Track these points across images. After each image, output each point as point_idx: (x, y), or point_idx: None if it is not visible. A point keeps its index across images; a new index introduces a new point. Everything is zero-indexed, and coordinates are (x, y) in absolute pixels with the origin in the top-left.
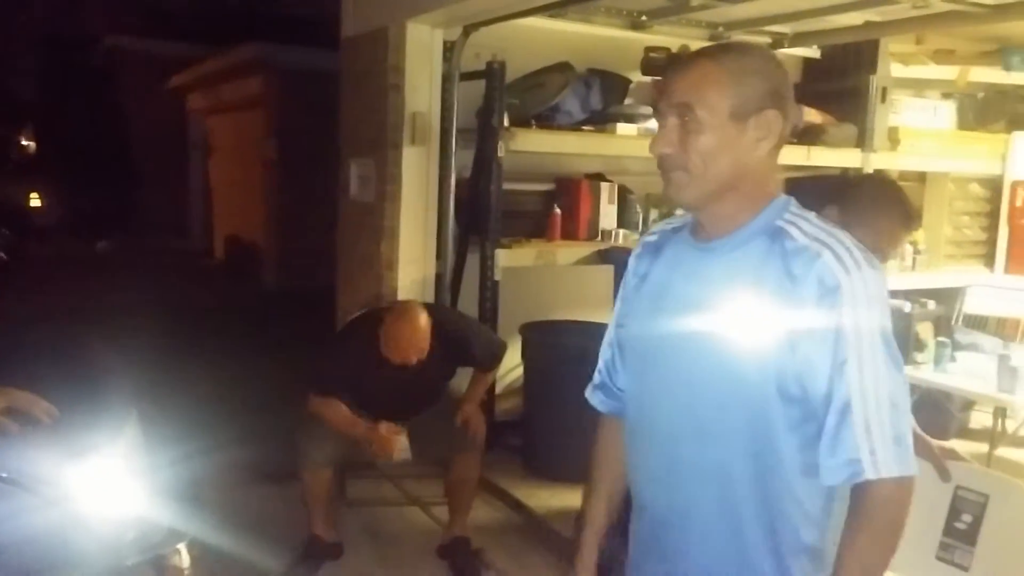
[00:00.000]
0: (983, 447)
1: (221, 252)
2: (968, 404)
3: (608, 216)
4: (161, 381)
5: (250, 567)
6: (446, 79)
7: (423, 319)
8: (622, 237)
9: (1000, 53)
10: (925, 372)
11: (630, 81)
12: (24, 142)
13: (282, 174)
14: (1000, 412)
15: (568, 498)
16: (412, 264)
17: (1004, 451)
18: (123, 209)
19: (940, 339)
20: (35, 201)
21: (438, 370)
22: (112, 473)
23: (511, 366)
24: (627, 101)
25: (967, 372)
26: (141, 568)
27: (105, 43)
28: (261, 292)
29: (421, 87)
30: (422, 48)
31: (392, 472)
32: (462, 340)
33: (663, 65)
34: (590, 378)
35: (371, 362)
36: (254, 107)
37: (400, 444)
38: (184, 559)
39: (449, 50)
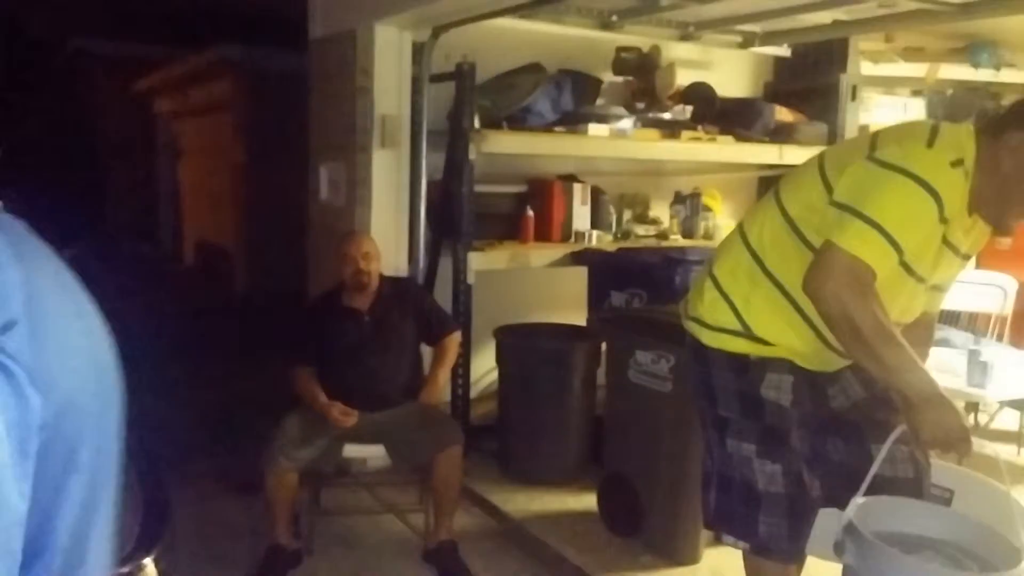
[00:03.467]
0: None
1: (191, 257)
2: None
3: (581, 217)
4: (131, 391)
5: None
6: (416, 81)
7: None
8: (595, 238)
9: (968, 50)
10: None
11: (601, 81)
12: None
13: (251, 177)
14: (972, 407)
15: (545, 501)
16: (384, 268)
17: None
18: (90, 215)
19: None
20: None
21: (397, 320)
22: None
23: (486, 370)
24: (599, 101)
25: (937, 367)
26: None
27: (70, 44)
28: (231, 297)
29: (390, 89)
30: (390, 50)
31: (368, 480)
32: (416, 294)
33: (634, 65)
34: (564, 380)
35: (334, 313)
36: (222, 110)
37: (351, 421)
38: (151, 573)
39: (418, 52)
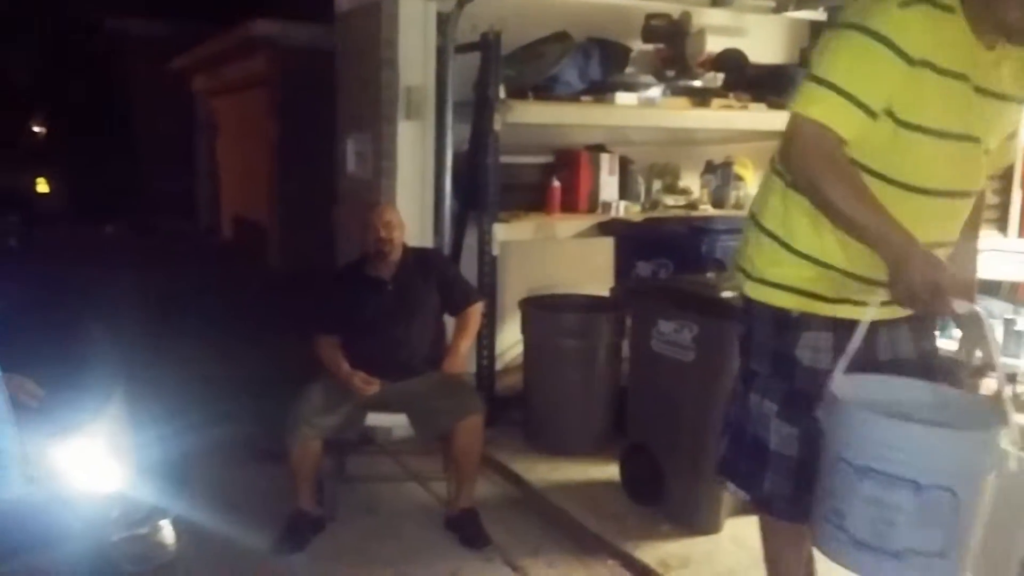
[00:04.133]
0: None
1: (228, 232)
2: (977, 370)
3: (609, 188)
4: (162, 361)
5: (238, 544)
6: (441, 52)
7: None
8: (623, 209)
9: None
10: None
11: (631, 50)
12: (35, 128)
13: (286, 153)
14: (1010, 377)
15: (568, 471)
16: (409, 239)
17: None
18: (130, 192)
19: None
20: (42, 187)
21: (420, 290)
22: (95, 451)
23: (513, 341)
24: (628, 70)
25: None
26: (126, 545)
27: (108, 26)
28: (266, 272)
29: (415, 61)
30: (415, 21)
31: (393, 448)
32: (440, 264)
33: (664, 32)
34: (588, 351)
35: (358, 284)
36: (258, 86)
37: (373, 389)
38: (169, 535)
39: (443, 22)
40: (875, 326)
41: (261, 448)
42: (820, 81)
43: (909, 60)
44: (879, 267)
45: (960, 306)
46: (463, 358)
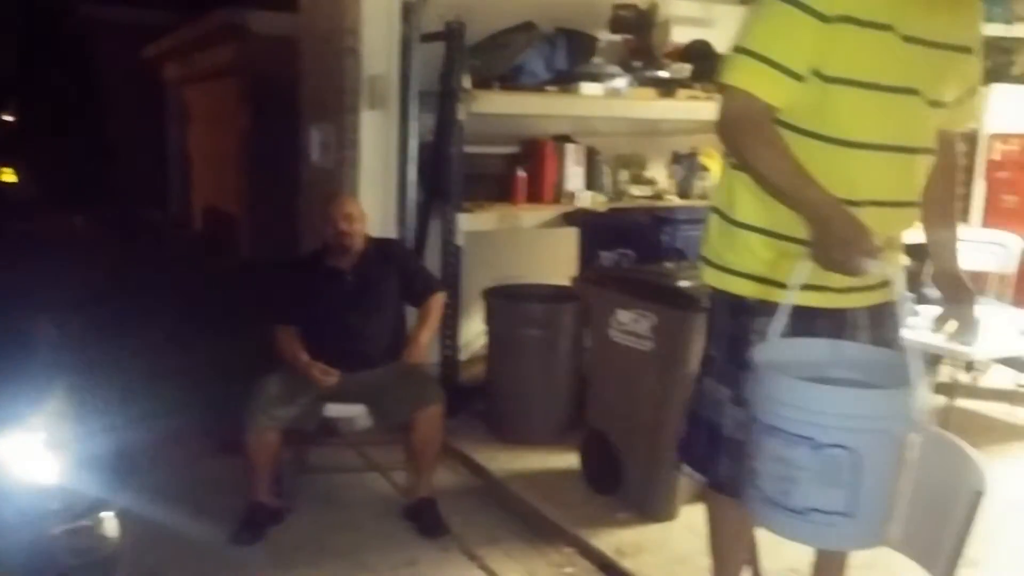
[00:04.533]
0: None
1: (199, 223)
2: (936, 359)
3: (575, 178)
4: (118, 352)
5: (192, 536)
6: (405, 42)
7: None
8: (589, 199)
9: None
10: None
11: (597, 39)
12: (4, 117)
13: (256, 142)
14: (970, 366)
15: (529, 460)
16: (373, 230)
17: (968, 403)
18: (100, 182)
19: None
20: (9, 176)
21: (380, 281)
22: (35, 444)
23: (477, 332)
24: (595, 60)
25: (926, 326)
26: (66, 537)
27: (80, 13)
28: (236, 262)
29: (379, 50)
30: (379, 10)
31: (355, 439)
32: (401, 254)
33: (631, 22)
34: (550, 340)
35: (317, 273)
36: (228, 75)
37: (332, 380)
38: (112, 528)
39: (407, 12)
40: (840, 314)
41: (220, 439)
42: (741, 50)
43: (823, 18)
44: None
45: (873, 266)
46: (424, 348)
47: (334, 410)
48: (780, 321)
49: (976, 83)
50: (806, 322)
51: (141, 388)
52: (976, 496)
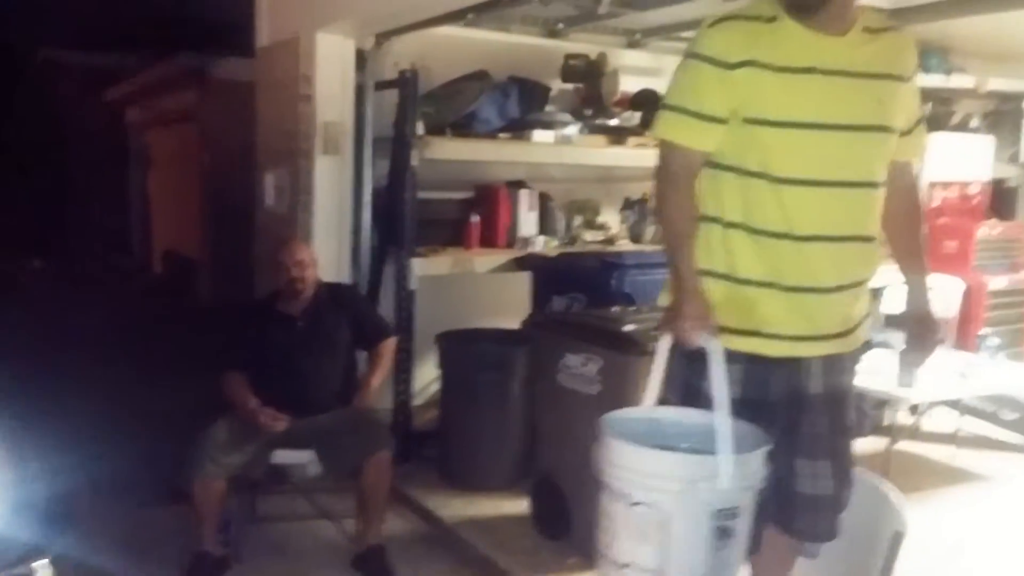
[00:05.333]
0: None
1: (159, 267)
2: (881, 402)
3: (528, 223)
4: (63, 397)
5: None
6: (360, 89)
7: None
8: (542, 244)
9: (918, 56)
10: None
11: (549, 88)
12: None
13: (216, 186)
14: (912, 408)
15: (481, 506)
16: (326, 274)
17: (910, 445)
18: (59, 226)
19: None
20: None
21: (331, 326)
22: None
23: (433, 376)
24: (548, 108)
25: (870, 370)
26: None
27: (41, 57)
28: (196, 307)
29: (333, 97)
30: (333, 58)
31: (306, 486)
32: (353, 299)
33: (582, 72)
34: (503, 385)
35: (267, 318)
36: (189, 119)
37: (280, 426)
38: None
39: (362, 60)
40: (794, 363)
41: (166, 486)
42: (664, 106)
43: (726, 66)
44: (782, 271)
45: (701, 340)
46: (374, 393)
47: (282, 456)
48: (718, 372)
49: (920, 113)
50: (761, 369)
51: (83, 434)
52: (896, 536)
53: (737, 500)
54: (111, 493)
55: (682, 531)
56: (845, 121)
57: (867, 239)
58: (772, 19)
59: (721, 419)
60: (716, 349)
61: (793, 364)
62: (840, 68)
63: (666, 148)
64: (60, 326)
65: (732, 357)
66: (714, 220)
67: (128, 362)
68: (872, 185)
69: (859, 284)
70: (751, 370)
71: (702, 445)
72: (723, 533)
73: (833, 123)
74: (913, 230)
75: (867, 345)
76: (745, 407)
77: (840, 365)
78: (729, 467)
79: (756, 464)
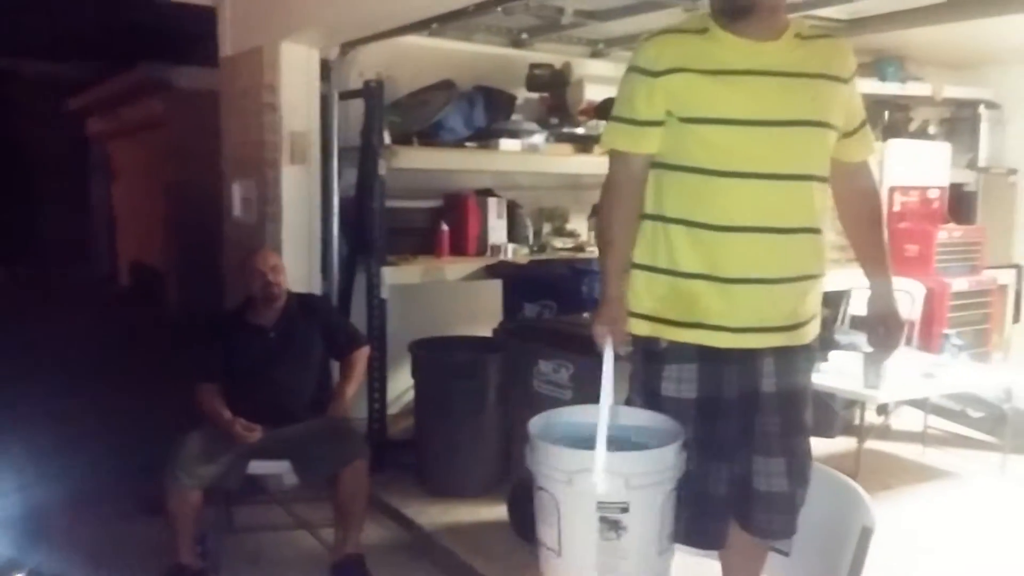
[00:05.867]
0: (866, 442)
1: (126, 278)
2: (850, 403)
3: (497, 231)
4: (36, 411)
5: None
6: (325, 99)
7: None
8: (512, 251)
9: (875, 64)
10: None
11: (515, 97)
12: None
13: (181, 196)
14: (880, 408)
15: (459, 513)
16: (296, 284)
17: (879, 444)
18: (23, 237)
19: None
20: None
21: (304, 336)
22: None
23: (405, 386)
24: (514, 117)
25: (838, 371)
26: None
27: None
28: (164, 317)
29: (298, 107)
30: (297, 68)
31: (283, 497)
32: (324, 309)
33: (547, 81)
34: (477, 392)
35: (239, 329)
36: (154, 129)
37: (254, 436)
38: None
39: (328, 69)
40: (749, 359)
41: (141, 498)
42: (609, 119)
43: (653, 74)
44: (722, 263)
45: (608, 345)
46: (348, 403)
47: (258, 467)
48: (607, 372)
49: (864, 115)
50: (714, 368)
51: (58, 447)
52: (865, 532)
53: (623, 496)
54: (86, 506)
55: (570, 518)
56: (779, 117)
57: (811, 231)
58: (703, 31)
59: (601, 420)
60: (609, 356)
61: (746, 362)
62: (773, 69)
63: (611, 157)
64: (26, 337)
65: (685, 355)
66: (657, 218)
67: (99, 373)
68: (811, 178)
69: (807, 278)
70: (705, 369)
71: (643, 442)
72: (612, 525)
73: (767, 119)
74: (874, 231)
75: (820, 344)
76: (703, 407)
77: (793, 364)
78: (600, 464)
79: (643, 465)
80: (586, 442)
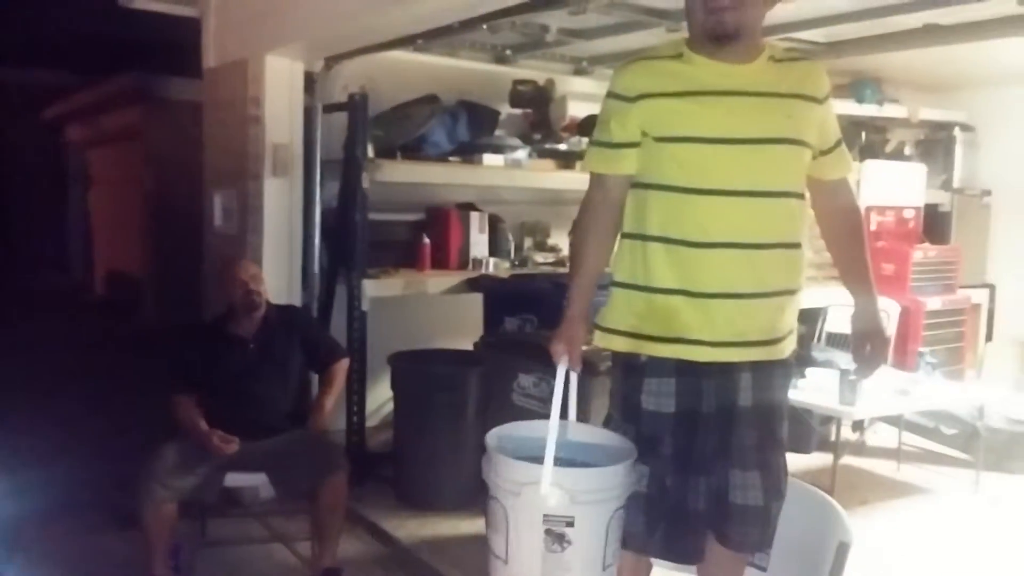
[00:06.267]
0: (843, 458)
1: (102, 287)
2: (827, 419)
3: (479, 245)
4: (17, 424)
5: None
6: (308, 111)
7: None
8: (493, 265)
9: (852, 86)
10: None
11: (499, 113)
12: None
13: (160, 205)
14: (858, 425)
15: (438, 526)
16: (277, 295)
17: (855, 460)
18: None
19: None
20: None
21: (283, 348)
22: None
23: (384, 398)
24: (498, 132)
25: (815, 387)
26: None
27: None
28: (141, 327)
29: (281, 119)
30: (281, 80)
31: (259, 509)
32: (304, 321)
33: (530, 97)
34: (457, 405)
35: (218, 340)
36: (132, 138)
37: (231, 448)
38: None
39: (311, 82)
40: (727, 375)
41: (116, 511)
42: (590, 142)
43: (628, 99)
44: (699, 279)
45: (560, 363)
46: (328, 415)
47: (235, 480)
48: (558, 383)
49: (839, 134)
50: (692, 381)
51: (30, 458)
52: (842, 547)
53: (569, 511)
54: (59, 519)
55: (517, 528)
56: (754, 135)
57: (788, 246)
58: (677, 56)
59: (551, 434)
60: (562, 373)
61: (724, 376)
62: (747, 89)
63: (591, 179)
64: (15, 347)
65: (664, 370)
66: (637, 236)
67: (74, 383)
68: (786, 195)
69: (784, 293)
70: (683, 383)
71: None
72: (557, 538)
73: (741, 136)
74: (856, 247)
75: (798, 359)
76: (682, 421)
77: (770, 380)
78: (547, 478)
79: (589, 483)
80: (541, 456)
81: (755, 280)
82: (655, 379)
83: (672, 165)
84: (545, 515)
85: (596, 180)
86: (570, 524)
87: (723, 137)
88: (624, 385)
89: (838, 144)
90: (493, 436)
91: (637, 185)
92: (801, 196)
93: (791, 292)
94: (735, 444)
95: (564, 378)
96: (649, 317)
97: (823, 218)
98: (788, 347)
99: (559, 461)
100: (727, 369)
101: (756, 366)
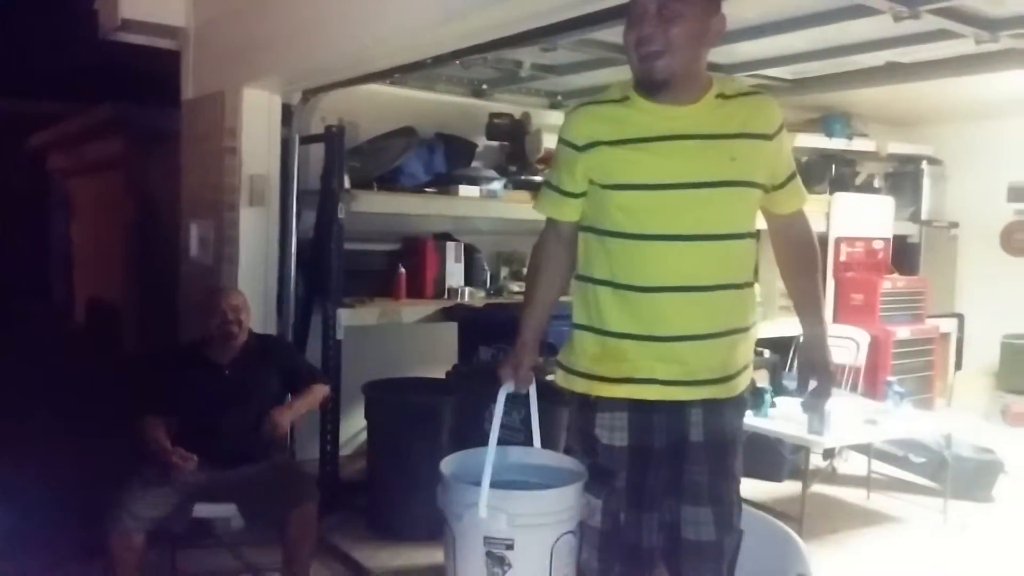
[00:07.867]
0: (813, 487)
1: (82, 315)
2: (798, 447)
3: (455, 274)
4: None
5: None
6: (286, 143)
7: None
8: (468, 295)
9: (823, 121)
10: (747, 417)
11: (476, 145)
12: None
13: (142, 234)
14: (828, 453)
15: (411, 556)
16: (252, 324)
17: (826, 488)
18: None
19: (759, 387)
20: None
21: (259, 376)
22: None
23: (358, 427)
24: (475, 164)
25: (784, 417)
26: None
27: None
28: (120, 356)
29: (258, 150)
30: (259, 112)
31: (230, 540)
32: (283, 350)
33: (506, 130)
34: (430, 434)
35: (193, 366)
36: (114, 167)
37: (191, 466)
38: None
39: (289, 114)
40: (677, 410)
41: (84, 541)
42: (543, 182)
43: (576, 148)
44: (648, 322)
45: (509, 384)
46: (293, 412)
47: (204, 510)
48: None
49: (791, 168)
50: (644, 417)
51: (19, 493)
52: None
53: (507, 533)
54: (25, 549)
55: (463, 550)
56: (695, 179)
57: (737, 287)
58: (624, 99)
59: (488, 456)
60: (501, 398)
61: (675, 412)
62: (689, 132)
63: (546, 220)
64: None
65: (616, 405)
66: (587, 279)
67: (45, 412)
68: (732, 237)
69: (735, 332)
70: (635, 418)
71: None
72: (498, 560)
73: (684, 181)
74: (807, 279)
75: (753, 393)
76: (635, 455)
77: (721, 415)
78: (484, 500)
79: (527, 506)
80: (499, 481)
81: (705, 321)
82: (608, 413)
83: (617, 212)
84: (485, 537)
85: (549, 221)
86: (510, 547)
87: (665, 183)
88: (579, 418)
89: (791, 178)
90: (449, 462)
91: (584, 229)
92: (751, 235)
93: (743, 330)
94: (686, 479)
95: (503, 401)
96: (602, 359)
97: (777, 249)
98: (742, 383)
99: (518, 485)
100: (678, 405)
101: (707, 402)
